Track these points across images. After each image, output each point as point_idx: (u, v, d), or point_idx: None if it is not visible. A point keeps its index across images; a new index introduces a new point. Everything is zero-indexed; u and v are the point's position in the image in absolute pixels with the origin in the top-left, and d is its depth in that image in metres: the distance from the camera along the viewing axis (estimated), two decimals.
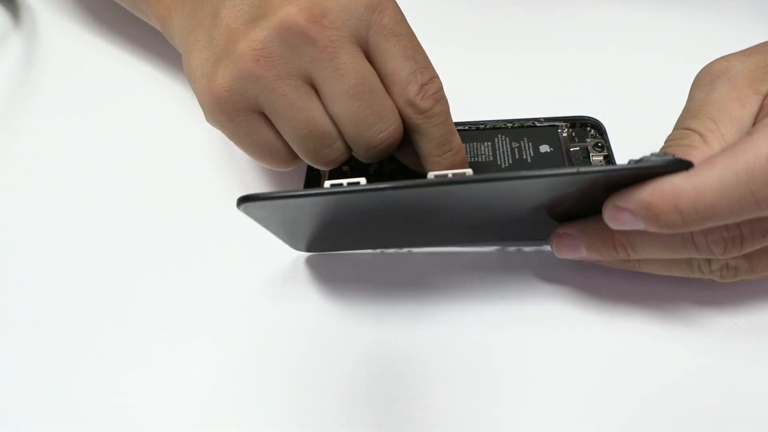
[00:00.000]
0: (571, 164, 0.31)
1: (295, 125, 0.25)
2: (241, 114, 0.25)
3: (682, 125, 0.26)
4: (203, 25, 0.27)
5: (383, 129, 0.25)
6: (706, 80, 0.26)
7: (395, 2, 0.26)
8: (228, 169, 0.34)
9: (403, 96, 0.25)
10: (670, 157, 0.21)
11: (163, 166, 0.34)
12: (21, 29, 0.41)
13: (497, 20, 0.41)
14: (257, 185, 0.33)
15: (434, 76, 0.26)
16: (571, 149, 0.31)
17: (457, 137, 0.27)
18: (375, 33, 0.25)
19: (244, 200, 0.22)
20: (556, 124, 0.32)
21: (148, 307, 0.29)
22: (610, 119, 0.32)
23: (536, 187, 0.23)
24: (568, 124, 0.32)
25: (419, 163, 0.28)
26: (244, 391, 0.27)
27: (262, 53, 0.24)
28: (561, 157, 0.31)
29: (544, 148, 0.31)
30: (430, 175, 0.25)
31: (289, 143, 0.26)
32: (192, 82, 0.27)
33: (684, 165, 0.21)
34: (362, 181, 0.23)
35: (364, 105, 0.25)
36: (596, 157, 0.31)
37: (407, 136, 0.27)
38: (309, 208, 0.24)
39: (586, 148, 0.31)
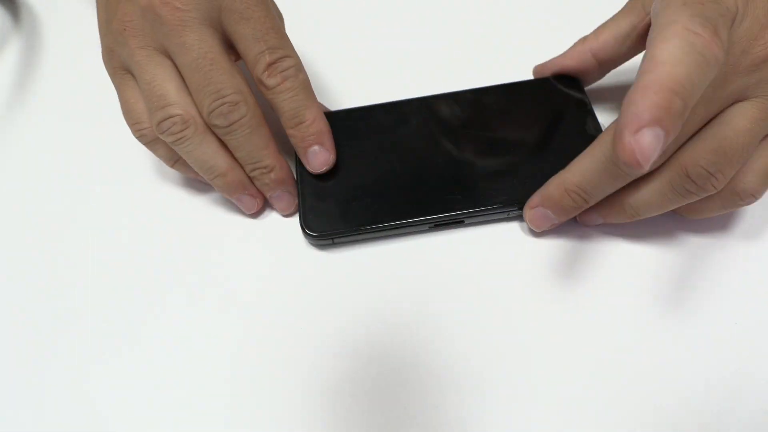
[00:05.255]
0: None
1: (142, 86, 0.29)
2: (119, 71, 0.30)
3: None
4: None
5: (221, 96, 0.28)
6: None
7: None
8: None
9: (254, 74, 0.29)
10: None
11: (164, 167, 0.34)
12: (21, 29, 0.42)
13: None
14: None
15: (286, 56, 0.29)
16: None
17: (312, 111, 0.30)
18: (226, 17, 0.28)
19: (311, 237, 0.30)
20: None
21: (161, 305, 0.30)
22: None
23: None
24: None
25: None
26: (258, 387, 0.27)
27: (127, 24, 0.29)
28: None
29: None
30: None
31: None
32: None
33: None
34: None
35: (202, 76, 0.28)
36: None
37: None
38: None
39: None
